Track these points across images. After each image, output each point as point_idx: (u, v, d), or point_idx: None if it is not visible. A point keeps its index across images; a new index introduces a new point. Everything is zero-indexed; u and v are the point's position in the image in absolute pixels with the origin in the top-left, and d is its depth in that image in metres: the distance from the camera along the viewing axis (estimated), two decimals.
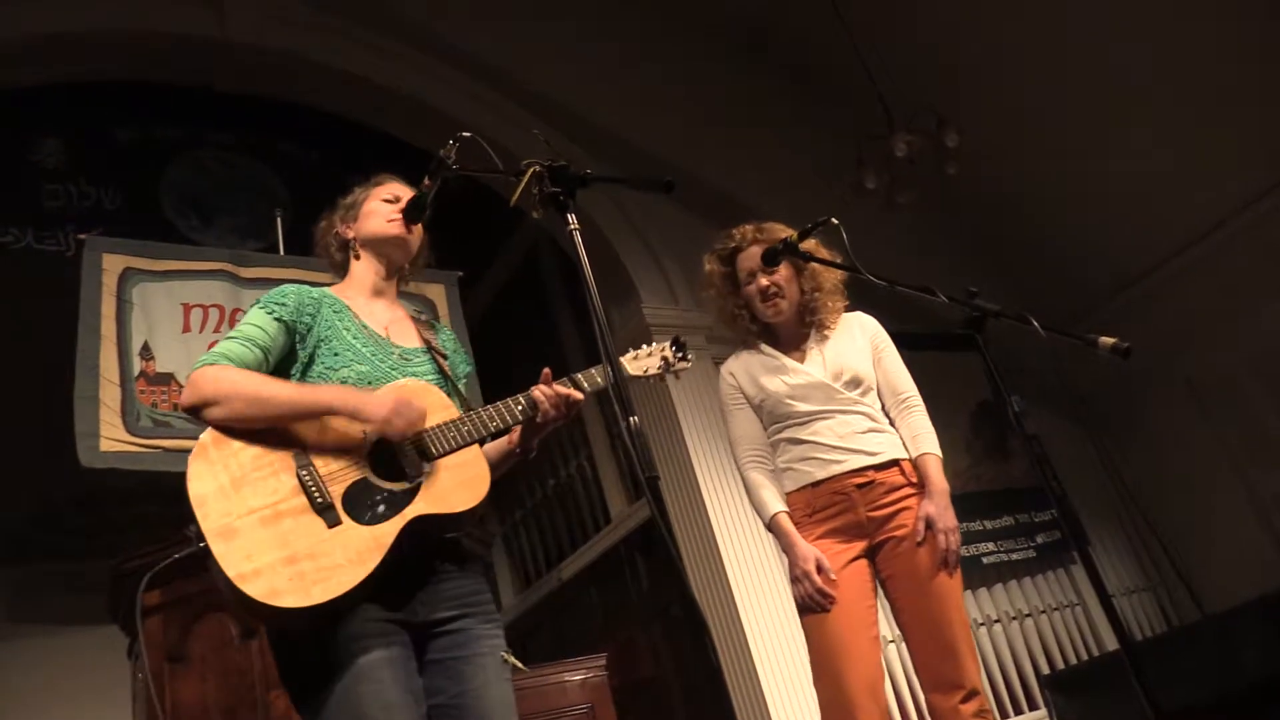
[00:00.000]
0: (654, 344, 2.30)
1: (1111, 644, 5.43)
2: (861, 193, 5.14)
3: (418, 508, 1.80)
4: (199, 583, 3.03)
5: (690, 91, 5.98)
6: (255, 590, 1.63)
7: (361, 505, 1.78)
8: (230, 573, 1.64)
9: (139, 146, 4.82)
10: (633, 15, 6.01)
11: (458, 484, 1.87)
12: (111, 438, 3.80)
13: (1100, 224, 6.08)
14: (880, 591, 2.61)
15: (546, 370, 2.03)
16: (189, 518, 1.69)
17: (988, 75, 5.80)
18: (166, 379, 4.09)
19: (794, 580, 2.54)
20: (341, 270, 2.22)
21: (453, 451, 1.89)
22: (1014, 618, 5.51)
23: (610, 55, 5.84)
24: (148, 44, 4.64)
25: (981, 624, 5.37)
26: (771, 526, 2.62)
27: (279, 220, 4.69)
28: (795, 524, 2.58)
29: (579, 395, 2.03)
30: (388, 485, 1.82)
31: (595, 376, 2.09)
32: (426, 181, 2.04)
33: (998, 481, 5.88)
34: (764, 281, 2.70)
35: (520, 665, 1.94)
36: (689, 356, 2.32)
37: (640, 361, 2.27)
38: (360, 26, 5.10)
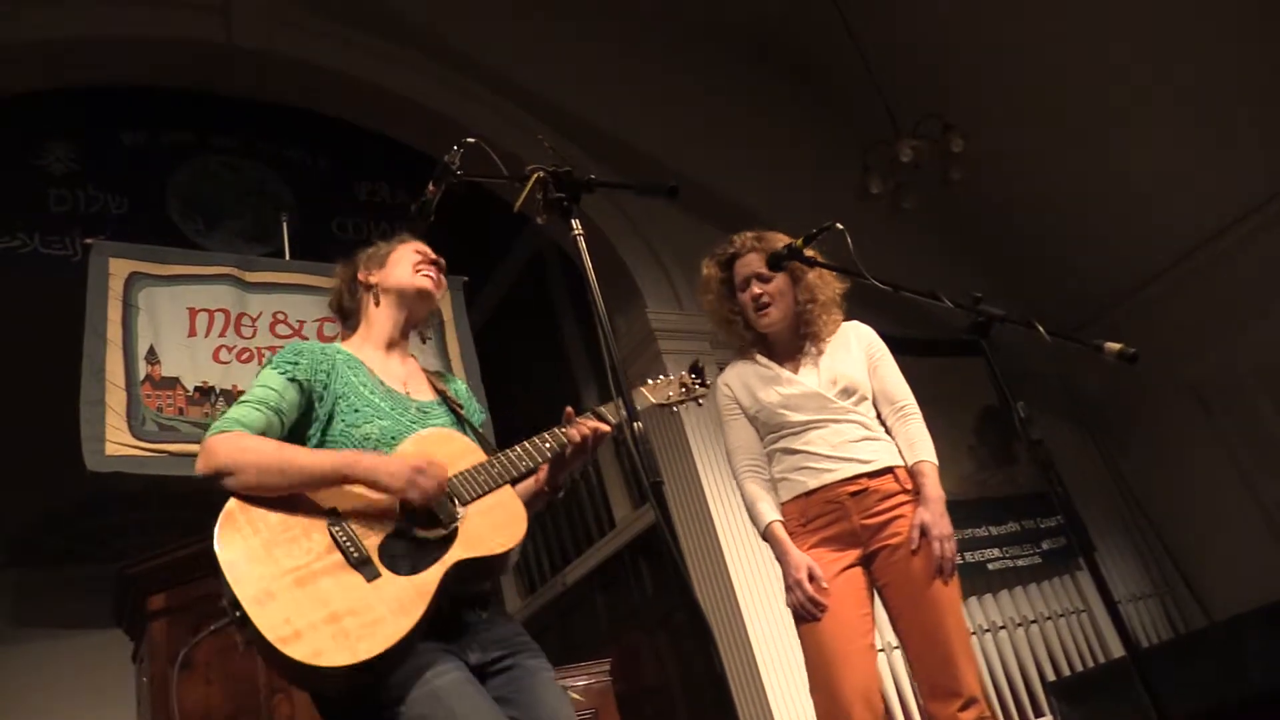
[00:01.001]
0: (670, 375, 2.30)
1: (1117, 651, 5.42)
2: (866, 198, 5.14)
3: (457, 553, 1.77)
4: (204, 587, 3.03)
5: (695, 96, 5.99)
6: (298, 653, 1.57)
7: (399, 556, 1.74)
8: (270, 638, 1.58)
9: (145, 151, 4.84)
10: (638, 21, 6.02)
11: (494, 525, 1.85)
12: (117, 442, 3.80)
13: (1105, 229, 6.08)
14: (878, 600, 2.59)
15: (569, 409, 2.02)
16: (222, 586, 1.64)
17: (992, 82, 5.80)
18: (172, 383, 4.09)
19: (787, 589, 2.53)
20: (353, 320, 2.17)
21: (485, 494, 1.87)
22: (1019, 624, 5.49)
23: (615, 61, 5.85)
24: (155, 49, 4.66)
25: (987, 630, 5.36)
26: (766, 536, 2.62)
27: (285, 225, 4.70)
28: (789, 533, 2.58)
29: (606, 427, 2.02)
30: (424, 533, 1.78)
31: (606, 413, 2.07)
32: (431, 187, 2.02)
33: (1003, 488, 5.87)
34: (756, 290, 2.71)
35: (577, 695, 1.94)
36: (708, 382, 2.32)
37: (660, 390, 2.26)
38: (365, 32, 5.12)
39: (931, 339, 5.70)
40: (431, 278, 2.14)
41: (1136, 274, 6.18)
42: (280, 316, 4.42)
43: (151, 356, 4.09)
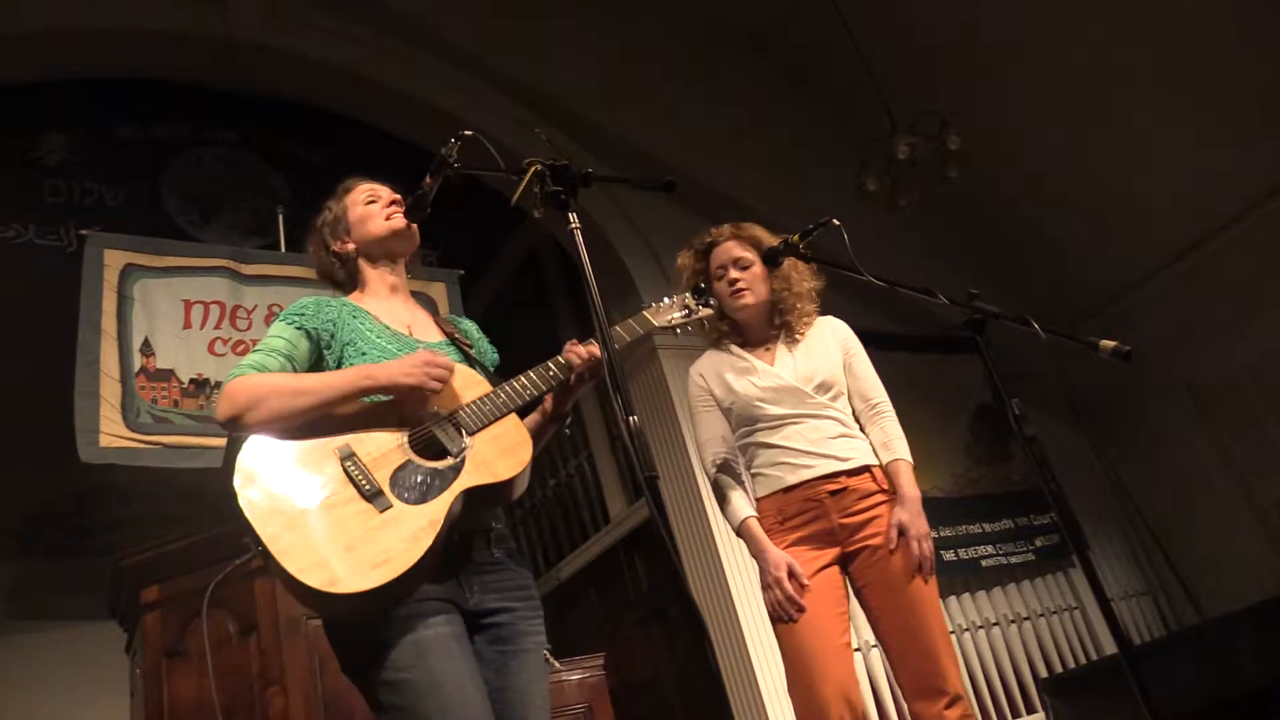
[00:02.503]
0: (675, 296, 2.32)
1: (1110, 648, 5.43)
2: (863, 195, 5.14)
3: (465, 480, 1.82)
4: (198, 579, 3.03)
5: (692, 92, 5.98)
6: (315, 580, 1.65)
7: (409, 486, 1.80)
8: (290, 568, 1.65)
9: (141, 143, 4.83)
10: (635, 16, 6.01)
11: (500, 452, 1.89)
12: (111, 433, 3.80)
13: (1101, 227, 6.09)
14: (853, 599, 2.58)
15: (573, 340, 2.05)
16: (243, 524, 1.71)
17: (989, 79, 5.80)
18: (167, 375, 4.09)
19: (765, 588, 2.50)
20: (349, 286, 2.20)
21: (491, 424, 1.91)
22: (1012, 621, 5.50)
23: (612, 56, 5.84)
24: (150, 41, 4.65)
25: (980, 627, 5.37)
26: (741, 532, 2.58)
27: (280, 218, 4.70)
28: (765, 530, 2.55)
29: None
30: (432, 464, 1.83)
31: (621, 333, 2.12)
32: (428, 180, 2.02)
33: (997, 484, 5.88)
34: (733, 274, 2.68)
35: (556, 663, 1.97)
36: (711, 303, 2.34)
37: (663, 313, 2.27)
38: (361, 25, 5.11)
39: (927, 335, 5.71)
40: (400, 215, 2.15)
41: (1132, 272, 6.19)
42: (275, 309, 4.42)
43: (146, 348, 4.08)
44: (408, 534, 1.73)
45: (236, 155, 5.12)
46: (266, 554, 1.68)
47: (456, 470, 1.83)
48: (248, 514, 1.71)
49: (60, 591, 6.88)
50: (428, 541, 1.73)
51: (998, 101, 5.82)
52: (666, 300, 2.31)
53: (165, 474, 4.08)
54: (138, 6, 4.60)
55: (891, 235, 5.53)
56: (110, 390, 3.88)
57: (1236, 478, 6.01)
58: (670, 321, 2.27)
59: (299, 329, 1.97)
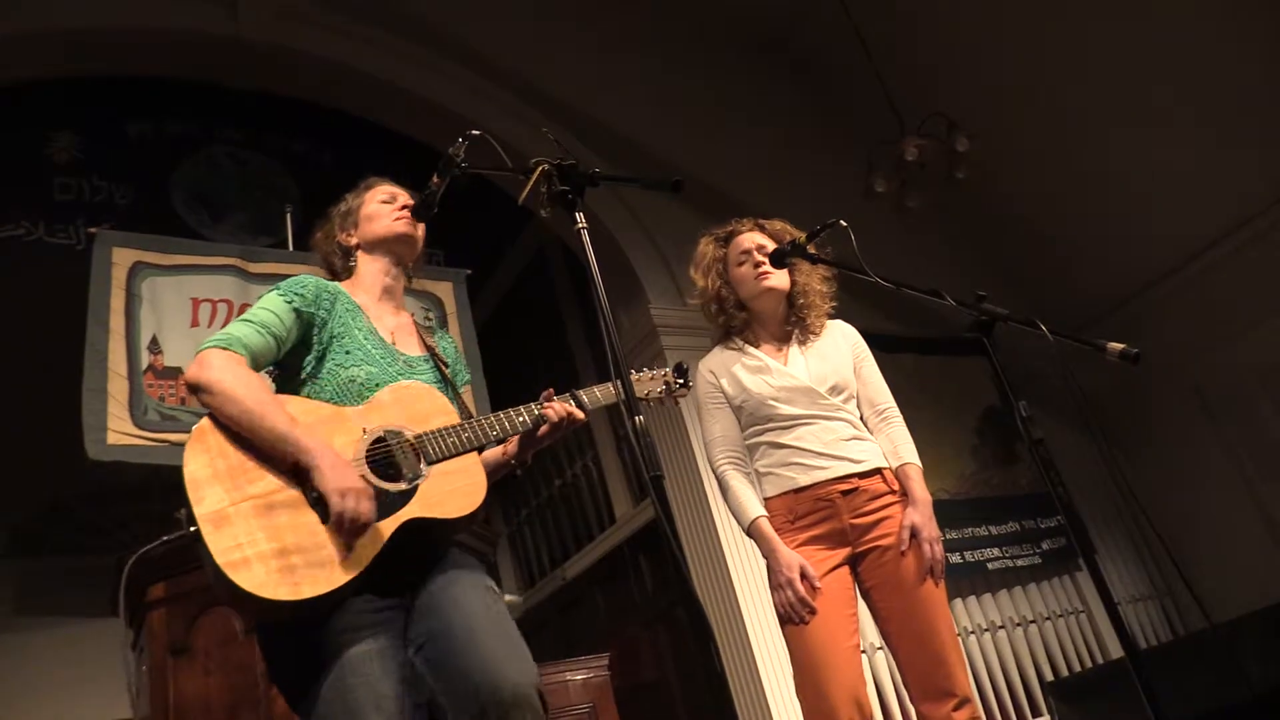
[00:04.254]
0: (657, 370, 2.36)
1: (1116, 652, 5.42)
2: (871, 196, 5.14)
3: (413, 510, 1.80)
4: (203, 577, 3.03)
5: (701, 93, 5.99)
6: (244, 580, 1.62)
7: None
8: (220, 560, 1.63)
9: (151, 141, 4.85)
10: (644, 17, 6.01)
11: (453, 490, 1.86)
12: (119, 431, 3.81)
13: (1110, 230, 6.07)
14: (860, 600, 2.57)
15: (549, 390, 2.06)
16: (183, 500, 1.68)
17: (998, 81, 5.79)
18: (174, 373, 4.10)
19: (776, 588, 2.48)
20: (344, 276, 2.21)
21: (451, 457, 1.89)
22: (1019, 624, 5.49)
23: (620, 56, 5.85)
24: (160, 40, 4.66)
25: (986, 630, 5.36)
26: (751, 531, 2.56)
27: (289, 217, 4.71)
28: (775, 530, 2.53)
29: (581, 415, 2.07)
30: (384, 485, 1.80)
31: (597, 395, 2.13)
32: (435, 179, 2.03)
33: (1004, 487, 5.87)
34: (758, 258, 2.66)
35: (501, 595, 1.92)
36: (690, 384, 2.38)
37: (643, 384, 2.30)
38: (370, 24, 5.12)
39: (934, 338, 5.70)
40: (408, 220, 2.16)
41: (1140, 275, 6.17)
42: None
43: (154, 346, 4.09)
44: (346, 550, 1.70)
45: (245, 154, 5.14)
46: (198, 537, 1.65)
47: (406, 497, 1.81)
48: (189, 491, 1.68)
49: (67, 588, 6.90)
50: (364, 562, 1.71)
51: (1006, 104, 5.81)
52: (647, 371, 2.34)
53: (172, 471, 4.08)
54: (147, 5, 4.61)
55: (899, 237, 5.52)
56: (118, 388, 3.88)
57: (1244, 482, 5.99)
58: (647, 394, 2.30)
59: (294, 309, 1.96)
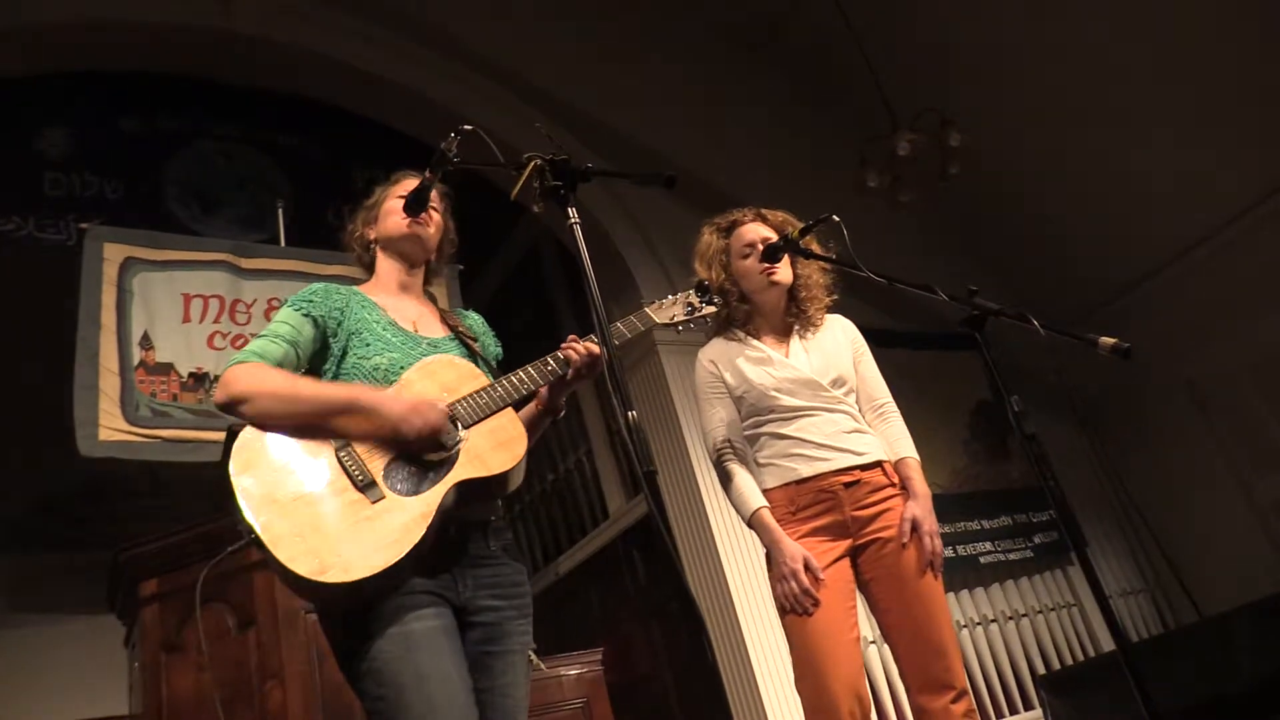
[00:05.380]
0: (679, 293, 2.33)
1: (1108, 645, 5.44)
2: (863, 191, 5.14)
3: (458, 473, 1.83)
4: (197, 573, 3.03)
5: (692, 88, 5.98)
6: (304, 568, 1.66)
7: (403, 478, 1.81)
8: (280, 555, 1.67)
9: (142, 137, 4.83)
10: (636, 11, 6.01)
11: (494, 446, 1.90)
12: (110, 427, 3.81)
13: (1102, 225, 6.08)
14: (860, 593, 2.58)
15: (572, 336, 2.06)
16: (234, 510, 1.73)
17: (991, 76, 5.80)
18: (166, 369, 4.09)
19: (778, 579, 2.48)
20: (369, 270, 2.24)
21: (487, 418, 1.92)
22: (1010, 618, 5.51)
23: (613, 50, 5.84)
24: (151, 34, 4.64)
25: (978, 624, 5.38)
26: (753, 522, 2.55)
27: (280, 212, 4.70)
28: (778, 520, 2.53)
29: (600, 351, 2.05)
30: (427, 456, 1.84)
31: (622, 329, 2.13)
32: (428, 174, 2.04)
33: (996, 481, 5.88)
34: (761, 249, 2.64)
35: (541, 665, 1.97)
36: (715, 300, 2.36)
37: (665, 310, 2.29)
38: (362, 19, 5.11)
39: (927, 332, 5.71)
40: (411, 220, 2.16)
41: (1133, 270, 6.18)
42: (275, 303, 4.42)
43: (146, 342, 4.09)
44: (399, 525, 1.74)
45: (237, 149, 5.12)
46: (258, 542, 1.70)
47: (450, 463, 1.84)
48: (241, 501, 1.73)
49: (61, 585, 6.89)
50: (419, 533, 1.74)
51: (999, 99, 5.81)
52: (670, 297, 2.31)
53: (165, 467, 4.08)
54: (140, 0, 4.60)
55: (892, 232, 5.53)
56: (109, 384, 3.88)
57: (1235, 475, 6.01)
58: (672, 318, 2.28)
59: (306, 315, 1.99)
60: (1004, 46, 5.72)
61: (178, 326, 4.18)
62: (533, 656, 1.94)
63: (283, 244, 4.63)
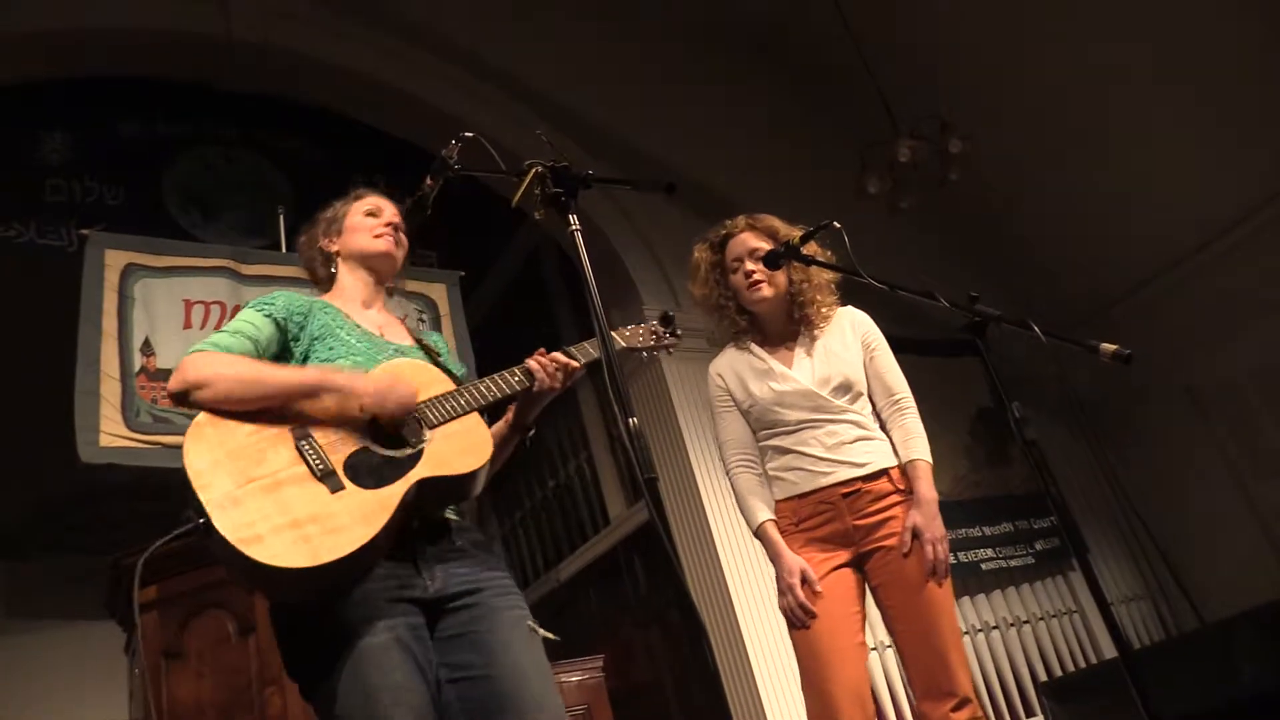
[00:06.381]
0: (645, 323, 2.36)
1: (1110, 652, 5.42)
2: (864, 197, 5.14)
3: (421, 471, 1.80)
4: (197, 579, 3.03)
5: (693, 94, 5.98)
6: (260, 554, 1.61)
7: (364, 471, 1.77)
8: (233, 539, 1.61)
9: (142, 142, 4.83)
10: (637, 17, 6.01)
11: (460, 449, 1.87)
12: (111, 433, 3.80)
13: (1103, 231, 6.09)
14: (870, 599, 2.57)
15: (541, 348, 2.05)
16: (188, 495, 1.68)
17: (991, 82, 5.80)
18: (167, 375, 4.07)
19: (780, 593, 2.51)
20: (327, 284, 2.21)
21: (453, 419, 1.90)
22: (1012, 624, 5.50)
23: (613, 57, 5.85)
24: (153, 40, 4.65)
25: (980, 630, 5.37)
26: (759, 534, 2.58)
27: (281, 218, 4.69)
28: (781, 532, 2.54)
29: (576, 363, 2.06)
30: (389, 452, 1.82)
31: (589, 349, 2.11)
32: (429, 181, 2.02)
33: (997, 488, 5.87)
34: (749, 266, 2.64)
35: (549, 634, 1.93)
36: (678, 333, 2.38)
37: (632, 336, 2.31)
38: (363, 25, 5.12)
39: (927, 339, 5.70)
40: (390, 239, 2.16)
41: (1133, 276, 6.19)
42: None
43: (147, 348, 4.08)
44: (358, 515, 1.70)
45: (237, 154, 5.12)
46: (208, 525, 1.64)
47: (414, 460, 1.82)
48: (193, 483, 1.68)
49: (59, 591, 6.87)
50: (379, 524, 1.70)
51: (999, 105, 5.82)
52: (638, 325, 2.34)
53: (165, 474, 4.07)
54: (139, 5, 4.60)
55: (892, 238, 5.53)
56: (110, 390, 3.87)
57: (1236, 481, 6.00)
58: (637, 344, 2.31)
59: (267, 316, 1.97)
60: (1004, 52, 5.72)
61: (179, 332, 4.18)
62: (536, 627, 1.90)
63: (284, 249, 4.63)
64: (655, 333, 2.33)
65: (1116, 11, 5.28)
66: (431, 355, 2.12)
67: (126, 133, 4.80)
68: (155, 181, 4.79)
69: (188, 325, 4.23)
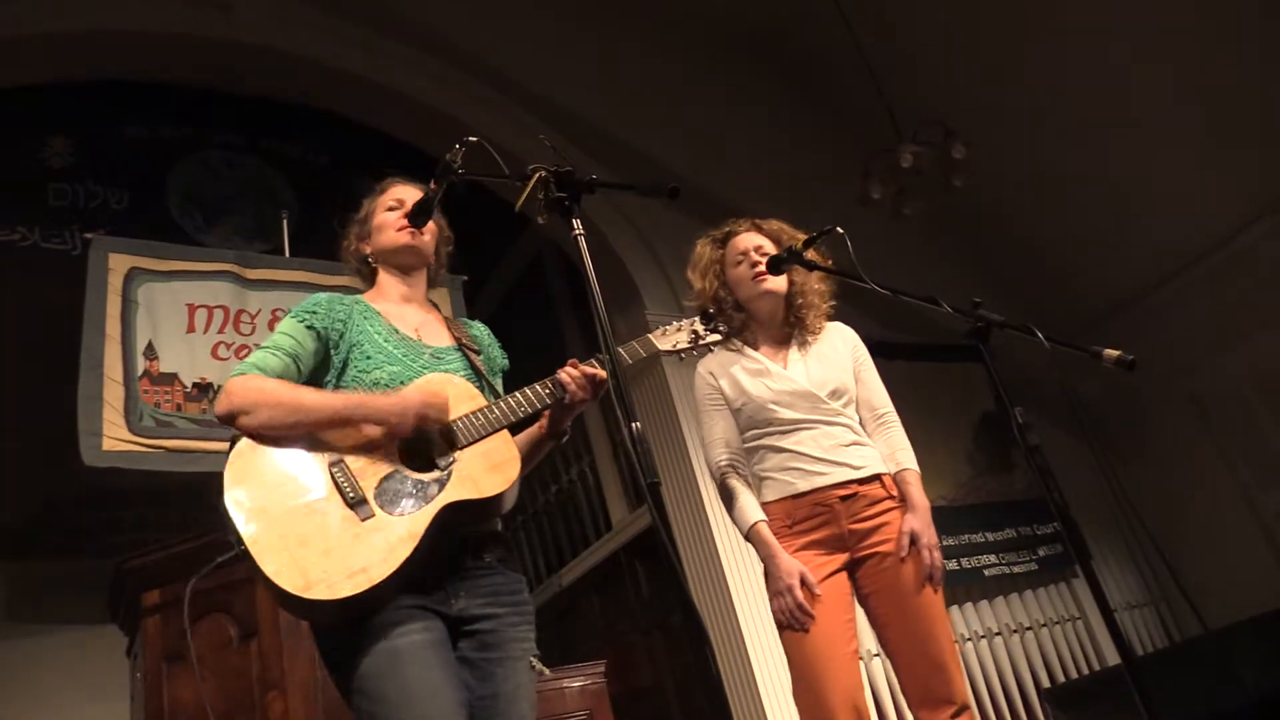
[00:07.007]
0: (684, 320, 2.34)
1: (1113, 658, 5.41)
2: (867, 203, 5.14)
3: (449, 495, 1.83)
4: (199, 583, 3.02)
5: (698, 99, 5.99)
6: (289, 583, 1.67)
7: (394, 497, 1.81)
8: (267, 569, 1.68)
9: (146, 146, 4.84)
10: (640, 22, 6.02)
11: (487, 469, 1.89)
12: (114, 437, 3.81)
13: (1107, 238, 6.08)
14: (859, 606, 2.56)
15: (573, 359, 2.05)
16: (227, 523, 1.74)
17: (995, 88, 5.80)
18: (170, 379, 4.09)
19: (775, 594, 2.46)
20: (369, 281, 2.24)
21: (482, 438, 1.91)
22: (1015, 631, 5.49)
23: (618, 64, 5.85)
24: (155, 44, 4.66)
25: (982, 637, 5.36)
26: (751, 536, 2.54)
27: (284, 222, 4.70)
28: (774, 534, 2.51)
29: (604, 374, 2.03)
30: (419, 475, 1.84)
31: (624, 355, 2.11)
32: (432, 185, 2.04)
33: (1000, 493, 5.86)
34: (755, 258, 2.64)
35: (545, 670, 1.95)
36: (720, 328, 2.37)
37: (669, 336, 2.29)
38: (367, 30, 5.12)
39: (930, 344, 5.70)
40: (407, 230, 2.16)
41: (1137, 282, 6.18)
42: (279, 314, 4.42)
43: (150, 352, 4.09)
44: (385, 545, 1.74)
45: (241, 158, 5.13)
46: (246, 554, 1.70)
47: (442, 484, 1.84)
48: (231, 512, 1.74)
49: (62, 594, 6.87)
50: (404, 554, 1.74)
51: (1003, 111, 5.81)
52: (675, 324, 2.32)
53: (168, 477, 4.07)
54: (143, 9, 4.61)
55: (895, 244, 5.52)
56: (113, 394, 3.88)
57: (1239, 489, 5.99)
58: (675, 345, 2.28)
59: (308, 327, 1.99)
60: (1007, 58, 5.72)
61: (182, 337, 4.19)
62: (536, 663, 1.92)
63: (287, 254, 4.64)
64: (695, 331, 2.31)
65: (1122, 20, 5.27)
66: (470, 352, 2.13)
67: (130, 136, 4.81)
68: (159, 185, 4.80)
69: (191, 329, 4.24)
